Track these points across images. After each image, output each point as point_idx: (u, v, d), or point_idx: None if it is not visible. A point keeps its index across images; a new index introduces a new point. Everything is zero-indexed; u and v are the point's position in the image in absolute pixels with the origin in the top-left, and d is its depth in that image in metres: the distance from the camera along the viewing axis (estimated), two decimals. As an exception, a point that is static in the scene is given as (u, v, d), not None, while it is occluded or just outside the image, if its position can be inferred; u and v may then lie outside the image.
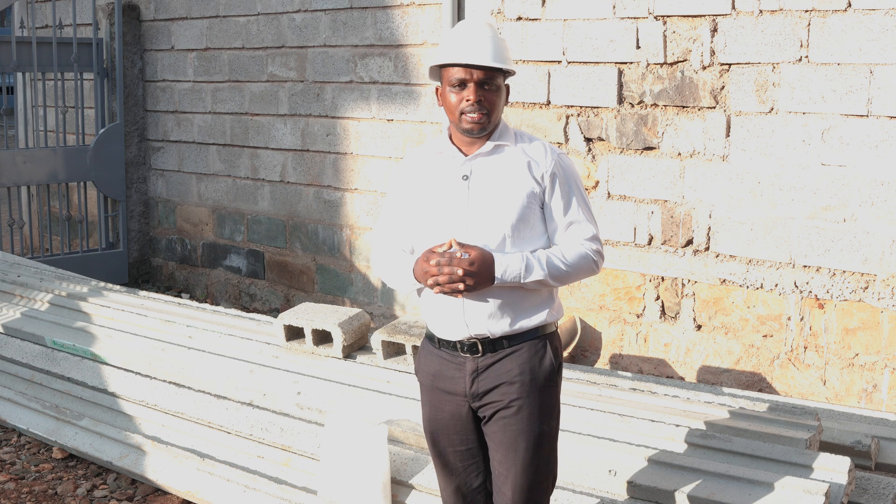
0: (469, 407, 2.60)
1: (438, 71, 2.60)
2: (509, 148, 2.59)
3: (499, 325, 2.52)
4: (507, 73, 2.58)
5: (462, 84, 2.51)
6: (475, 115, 2.50)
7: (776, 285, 4.68)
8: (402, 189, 2.68)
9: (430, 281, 2.46)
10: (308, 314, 4.36)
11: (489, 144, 2.57)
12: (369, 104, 6.31)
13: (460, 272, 2.42)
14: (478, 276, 2.44)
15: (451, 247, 2.46)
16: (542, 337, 2.58)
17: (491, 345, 2.55)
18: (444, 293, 2.47)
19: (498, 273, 2.46)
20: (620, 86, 5.08)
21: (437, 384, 2.64)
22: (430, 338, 2.69)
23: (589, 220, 2.61)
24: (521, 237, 2.53)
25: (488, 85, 2.51)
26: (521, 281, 2.48)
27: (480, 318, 2.52)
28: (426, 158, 2.67)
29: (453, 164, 2.59)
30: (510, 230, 2.52)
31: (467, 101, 2.50)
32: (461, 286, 2.43)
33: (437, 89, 2.63)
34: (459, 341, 2.56)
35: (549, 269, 2.50)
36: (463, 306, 2.52)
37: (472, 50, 2.50)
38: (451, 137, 2.63)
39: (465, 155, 2.59)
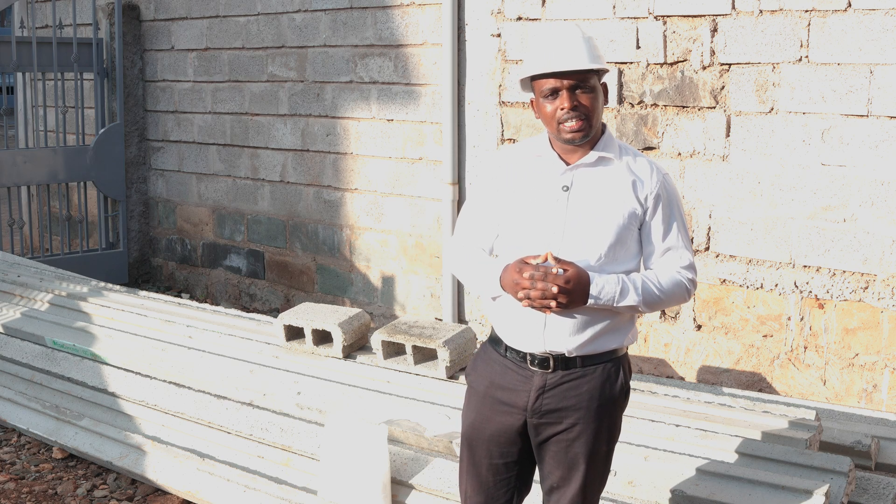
0: (524, 422, 2.49)
1: (529, 84, 2.48)
2: (614, 161, 2.47)
3: (578, 344, 2.42)
4: (601, 73, 2.45)
5: (554, 92, 2.40)
6: (573, 123, 2.38)
7: (776, 285, 4.68)
8: (494, 187, 2.55)
9: (520, 294, 2.35)
10: (308, 314, 4.36)
11: (593, 155, 2.45)
12: (369, 104, 6.31)
13: (555, 289, 2.30)
14: (572, 295, 2.33)
15: (546, 260, 2.34)
16: (615, 360, 2.48)
17: (564, 363, 2.44)
18: (533, 308, 2.36)
19: (593, 294, 2.35)
20: (620, 86, 5.08)
21: (493, 393, 2.52)
22: (495, 342, 2.56)
23: (687, 248, 2.51)
24: (616, 258, 2.43)
25: (581, 88, 2.39)
26: (615, 304, 2.38)
27: (561, 335, 2.41)
28: (523, 160, 2.54)
29: (553, 171, 2.47)
30: (607, 249, 2.41)
31: (562, 109, 2.38)
32: (553, 304, 2.32)
33: (531, 101, 2.51)
34: (531, 353, 2.46)
35: (644, 294, 2.41)
36: (545, 321, 2.41)
37: (557, 55, 2.38)
38: (551, 142, 2.50)
39: (567, 163, 2.46)
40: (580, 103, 2.39)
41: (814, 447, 3.34)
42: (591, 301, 2.36)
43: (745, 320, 4.80)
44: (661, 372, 5.08)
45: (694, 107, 4.85)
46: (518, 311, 2.44)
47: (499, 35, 5.54)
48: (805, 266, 4.59)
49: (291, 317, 4.37)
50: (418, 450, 3.57)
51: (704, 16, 4.75)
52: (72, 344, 4.72)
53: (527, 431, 2.51)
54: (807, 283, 4.58)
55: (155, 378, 4.38)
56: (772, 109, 4.61)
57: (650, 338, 5.13)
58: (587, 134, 2.42)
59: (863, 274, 4.42)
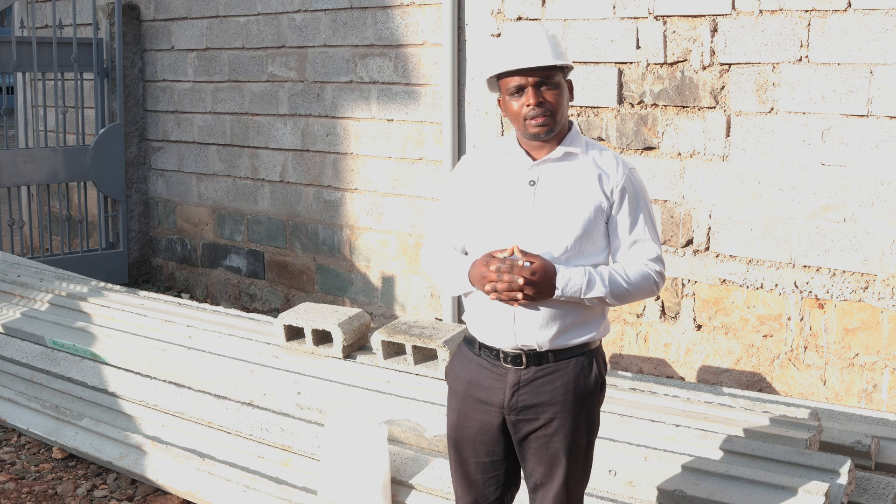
0: (503, 419, 2.51)
1: (496, 83, 2.52)
2: (580, 156, 2.50)
3: (548, 338, 2.44)
4: (565, 70, 2.48)
5: (520, 90, 2.44)
6: (539, 119, 2.43)
7: (776, 285, 4.68)
8: (463, 186, 2.60)
9: (487, 287, 2.38)
10: (308, 314, 4.36)
11: (559, 150, 2.49)
12: (369, 104, 6.31)
13: (521, 281, 2.33)
14: (538, 287, 2.36)
15: (512, 253, 2.37)
16: (588, 353, 2.51)
17: (536, 358, 2.46)
18: (501, 301, 2.39)
19: (559, 286, 2.38)
20: (620, 86, 5.08)
21: (472, 392, 2.55)
22: (469, 342, 2.59)
23: (654, 240, 2.53)
24: (583, 251, 2.46)
25: (546, 85, 2.43)
26: (582, 296, 2.40)
27: (531, 329, 2.44)
28: (491, 158, 2.58)
29: (520, 167, 2.51)
30: (573, 242, 2.44)
31: (528, 105, 2.42)
32: (520, 296, 2.35)
33: (498, 100, 2.55)
34: (503, 350, 2.48)
35: (611, 286, 2.43)
36: (514, 315, 2.44)
37: (521, 53, 2.42)
38: (518, 140, 2.54)
39: (533, 159, 2.50)
40: (545, 99, 2.43)
41: (814, 447, 3.34)
42: (557, 293, 2.39)
43: (745, 320, 4.80)
44: (661, 372, 5.08)
45: (694, 107, 4.85)
46: (488, 306, 2.47)
47: (499, 35, 5.54)
48: (805, 266, 4.59)
49: (291, 317, 4.37)
50: (418, 450, 3.57)
51: (704, 16, 4.75)
52: (72, 344, 4.72)
53: (507, 429, 2.54)
54: (807, 283, 4.58)
55: (155, 378, 4.38)
56: (772, 109, 4.61)
57: (650, 338, 5.13)
58: (552, 129, 2.46)
59: (863, 274, 4.42)
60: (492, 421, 2.53)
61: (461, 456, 2.61)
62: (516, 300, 2.37)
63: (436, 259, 2.62)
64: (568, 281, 2.39)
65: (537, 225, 2.46)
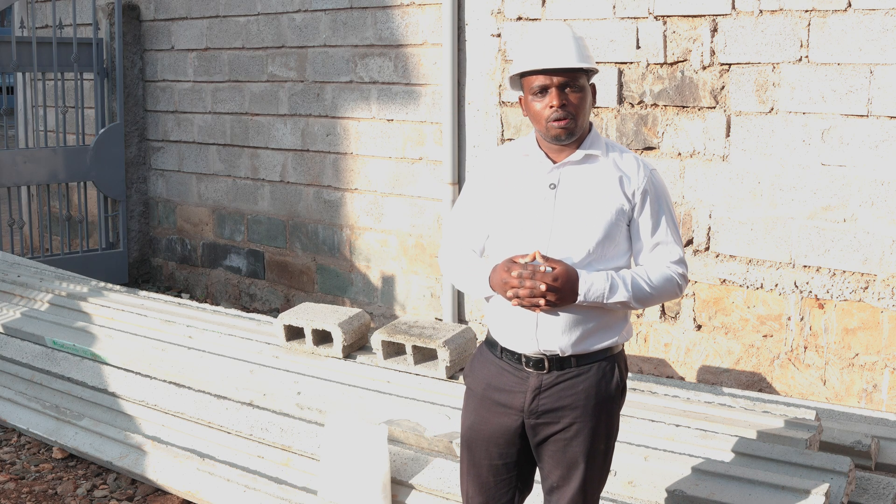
0: (521, 422, 2.49)
1: (519, 82, 2.50)
2: (600, 158, 2.48)
3: (571, 343, 2.42)
4: (590, 73, 2.46)
5: (543, 90, 2.41)
6: (561, 121, 2.40)
7: (776, 285, 4.68)
8: (482, 187, 2.57)
9: (509, 293, 2.36)
10: (308, 314, 4.36)
11: (579, 153, 2.46)
12: (369, 104, 6.31)
13: (543, 287, 2.31)
14: (561, 293, 2.33)
15: (534, 259, 2.35)
16: (610, 358, 2.48)
17: (559, 363, 2.44)
18: (523, 306, 2.37)
19: (581, 291, 2.36)
20: (620, 86, 5.08)
21: (491, 394, 2.52)
22: (490, 344, 2.57)
23: (676, 242, 2.50)
24: (605, 254, 2.43)
25: (570, 87, 2.40)
26: (604, 301, 2.38)
27: (553, 335, 2.42)
28: (511, 160, 2.55)
29: (540, 170, 2.48)
30: (595, 246, 2.41)
31: (551, 107, 2.39)
32: (542, 302, 2.33)
33: (519, 99, 2.53)
34: (525, 355, 2.46)
35: (634, 290, 2.40)
36: (536, 320, 2.42)
37: (548, 54, 2.40)
38: (538, 141, 2.51)
39: (553, 162, 2.48)
40: (569, 101, 2.41)
41: (814, 447, 3.34)
42: (580, 298, 2.37)
43: (745, 320, 4.80)
44: (661, 372, 5.08)
45: (694, 107, 4.85)
46: (510, 311, 2.45)
47: (499, 35, 5.54)
48: (805, 266, 4.59)
49: (291, 317, 4.37)
50: (418, 450, 3.57)
51: (704, 16, 4.75)
52: (72, 344, 4.72)
53: (525, 432, 2.51)
54: (807, 283, 4.58)
55: (155, 378, 4.38)
56: (772, 109, 4.61)
57: (650, 338, 5.13)
58: (573, 132, 2.43)
59: (863, 274, 4.42)
60: (510, 424, 2.51)
61: (475, 458, 2.59)
62: (538, 306, 2.35)
63: (455, 263, 2.59)
64: (591, 286, 2.37)
65: (559, 229, 2.43)
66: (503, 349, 2.51)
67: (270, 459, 3.83)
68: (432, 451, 3.54)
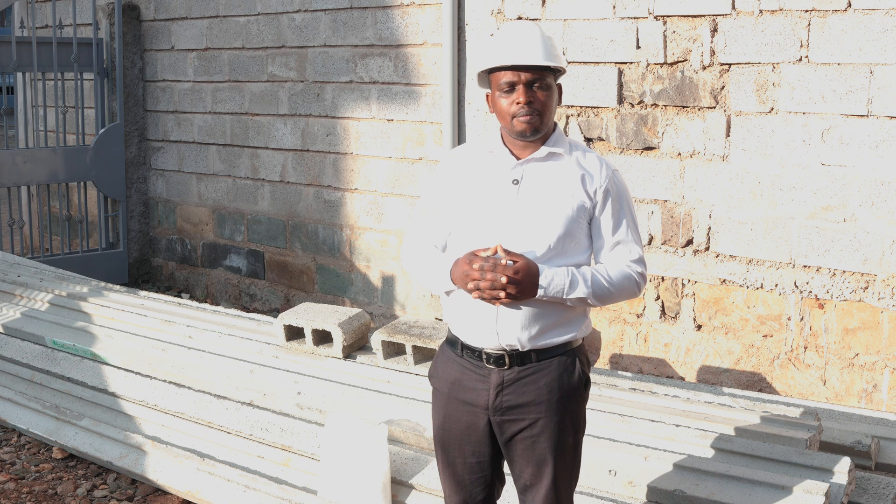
0: (488, 420, 2.51)
1: (487, 78, 2.52)
2: (564, 157, 2.51)
3: (530, 338, 2.44)
4: (557, 73, 2.49)
5: (511, 87, 2.44)
6: (526, 117, 2.43)
7: (776, 285, 4.68)
8: (446, 184, 2.59)
9: (470, 285, 2.37)
10: (308, 314, 4.36)
11: (543, 150, 2.49)
12: (369, 104, 6.31)
13: (504, 280, 2.33)
14: (521, 286, 2.36)
15: (496, 252, 2.37)
16: (570, 352, 2.51)
17: (519, 358, 2.47)
18: (483, 300, 2.39)
19: (542, 286, 2.38)
20: (620, 86, 5.08)
21: (456, 393, 2.55)
22: (451, 343, 2.59)
23: (636, 242, 2.54)
24: (565, 250, 2.46)
25: (538, 85, 2.43)
26: (564, 296, 2.41)
27: (513, 328, 2.44)
28: (474, 156, 2.58)
29: (503, 166, 2.51)
30: (555, 241, 2.44)
31: (517, 103, 2.43)
32: (502, 294, 2.35)
33: (487, 96, 2.55)
34: (486, 351, 2.48)
35: (594, 287, 2.43)
36: (496, 314, 2.44)
37: (516, 51, 2.42)
38: (503, 138, 2.54)
39: (517, 158, 2.51)
40: (536, 99, 2.44)
41: (814, 447, 3.34)
42: (540, 293, 2.39)
43: (746, 320, 4.80)
44: (661, 372, 5.08)
45: (694, 107, 4.85)
46: (470, 305, 2.47)
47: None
48: (805, 266, 4.59)
49: (291, 317, 4.37)
50: (418, 450, 3.58)
51: (704, 16, 4.75)
52: (72, 344, 4.72)
53: (493, 430, 2.54)
54: (807, 283, 4.58)
55: (155, 378, 4.38)
56: (772, 109, 4.61)
57: (650, 338, 5.13)
58: (539, 129, 2.46)
59: (863, 274, 4.42)
60: (477, 422, 2.53)
61: (448, 457, 2.61)
62: (499, 299, 2.37)
63: (417, 257, 2.62)
64: (551, 281, 2.39)
65: (520, 223, 2.46)
66: (464, 346, 2.54)
67: (270, 459, 3.84)
68: (432, 451, 3.54)
